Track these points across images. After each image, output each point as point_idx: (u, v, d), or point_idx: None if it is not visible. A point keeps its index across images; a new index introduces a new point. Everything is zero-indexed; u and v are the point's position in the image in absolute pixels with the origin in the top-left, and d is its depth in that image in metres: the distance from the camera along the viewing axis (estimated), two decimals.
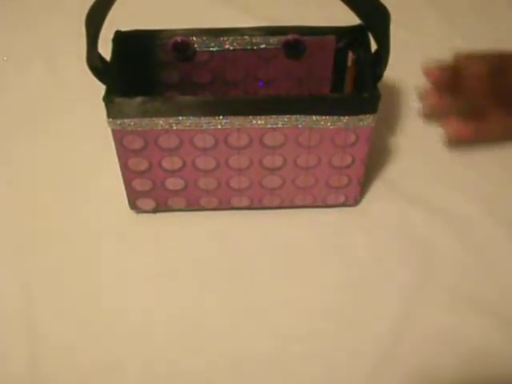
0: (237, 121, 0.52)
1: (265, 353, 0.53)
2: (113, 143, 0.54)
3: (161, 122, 0.52)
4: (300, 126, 0.53)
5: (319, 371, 0.52)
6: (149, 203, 0.59)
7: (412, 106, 0.69)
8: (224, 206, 0.60)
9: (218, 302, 0.56)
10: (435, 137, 0.67)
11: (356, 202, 0.61)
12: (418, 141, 0.67)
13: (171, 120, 0.52)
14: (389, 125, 0.68)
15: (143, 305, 0.56)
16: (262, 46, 0.57)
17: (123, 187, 0.58)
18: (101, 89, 0.51)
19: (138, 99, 0.51)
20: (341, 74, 0.59)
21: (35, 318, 0.55)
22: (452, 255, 0.59)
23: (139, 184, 0.57)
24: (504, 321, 0.55)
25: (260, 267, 0.58)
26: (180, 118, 0.52)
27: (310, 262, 0.59)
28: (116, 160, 0.55)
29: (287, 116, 0.52)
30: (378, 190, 0.63)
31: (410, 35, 0.76)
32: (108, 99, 0.51)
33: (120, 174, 0.57)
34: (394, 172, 0.64)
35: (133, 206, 0.60)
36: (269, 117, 0.52)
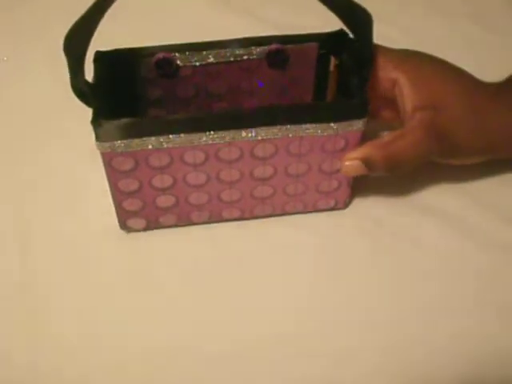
0: (228, 135, 0.52)
1: (262, 354, 0.53)
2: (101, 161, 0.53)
3: (151, 142, 0.51)
4: (290, 135, 0.53)
5: (319, 371, 0.52)
6: (139, 222, 0.59)
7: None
8: (215, 218, 0.60)
9: (214, 308, 0.56)
10: None
11: (346, 205, 0.62)
12: None
13: (162, 139, 0.51)
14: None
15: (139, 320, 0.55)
16: (245, 57, 0.57)
17: (112, 205, 0.57)
18: None
19: (128, 120, 0.50)
20: (324, 81, 0.59)
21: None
22: (449, 255, 0.59)
23: (129, 204, 0.56)
24: (507, 321, 0.55)
25: (253, 273, 0.58)
26: (171, 136, 0.51)
27: (303, 264, 0.59)
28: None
29: (278, 127, 0.52)
30: (368, 191, 0.63)
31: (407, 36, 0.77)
32: (96, 123, 0.50)
33: (109, 191, 0.56)
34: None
35: (123, 226, 0.59)
36: (259, 128, 0.52)
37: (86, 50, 0.48)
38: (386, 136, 0.55)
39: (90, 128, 0.50)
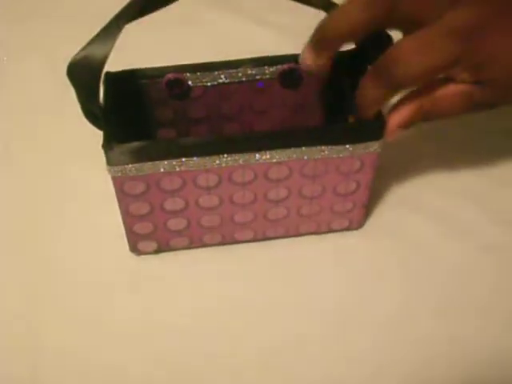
0: (241, 158, 0.50)
1: (265, 358, 0.53)
2: None
3: (163, 165, 0.50)
4: (305, 157, 0.52)
5: (317, 375, 0.52)
6: (150, 245, 0.58)
7: None
8: (227, 241, 0.59)
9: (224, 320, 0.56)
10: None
11: (360, 225, 0.60)
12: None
13: (174, 162, 0.50)
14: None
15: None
16: (257, 77, 0.56)
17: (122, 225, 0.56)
18: None
19: (140, 144, 0.49)
20: (337, 101, 0.58)
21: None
22: (448, 256, 0.58)
23: (140, 227, 0.55)
24: (508, 323, 0.54)
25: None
26: (183, 159, 0.50)
27: (311, 276, 0.58)
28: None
29: (292, 149, 0.51)
30: (382, 208, 0.62)
31: None
32: (108, 147, 0.48)
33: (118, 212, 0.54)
34: (398, 188, 0.64)
35: (134, 248, 0.58)
36: (274, 151, 0.51)
37: (101, 73, 0.46)
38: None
39: (91, 129, 0.49)
